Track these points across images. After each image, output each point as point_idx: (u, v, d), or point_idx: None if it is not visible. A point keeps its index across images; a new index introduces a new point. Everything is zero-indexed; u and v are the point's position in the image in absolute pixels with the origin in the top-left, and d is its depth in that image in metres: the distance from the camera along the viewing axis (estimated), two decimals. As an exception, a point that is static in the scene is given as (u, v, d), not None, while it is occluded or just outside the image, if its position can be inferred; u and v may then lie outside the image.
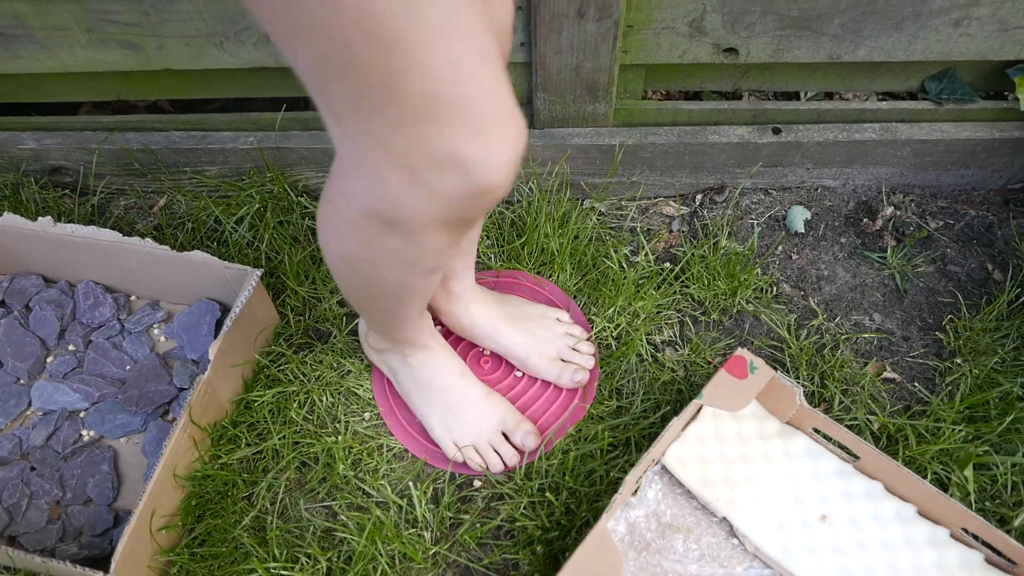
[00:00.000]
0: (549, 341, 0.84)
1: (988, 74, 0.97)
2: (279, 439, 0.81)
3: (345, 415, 0.83)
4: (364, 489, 0.78)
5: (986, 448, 0.76)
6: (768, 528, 0.72)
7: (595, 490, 0.76)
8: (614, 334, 0.87)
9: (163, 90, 1.01)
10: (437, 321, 0.90)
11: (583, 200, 1.00)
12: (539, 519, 0.75)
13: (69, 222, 0.87)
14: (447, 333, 0.89)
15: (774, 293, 0.92)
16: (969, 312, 0.89)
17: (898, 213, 1.00)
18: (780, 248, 0.96)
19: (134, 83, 0.99)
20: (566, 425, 0.81)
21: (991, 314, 0.87)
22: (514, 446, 0.79)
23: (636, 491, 0.75)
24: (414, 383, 0.78)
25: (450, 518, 0.76)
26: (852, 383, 0.83)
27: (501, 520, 0.76)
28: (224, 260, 0.84)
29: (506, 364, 0.87)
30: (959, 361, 0.84)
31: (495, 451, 0.78)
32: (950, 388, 0.83)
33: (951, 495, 0.74)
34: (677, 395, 0.83)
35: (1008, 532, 0.73)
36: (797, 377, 0.84)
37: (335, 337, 0.88)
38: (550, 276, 0.93)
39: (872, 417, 0.81)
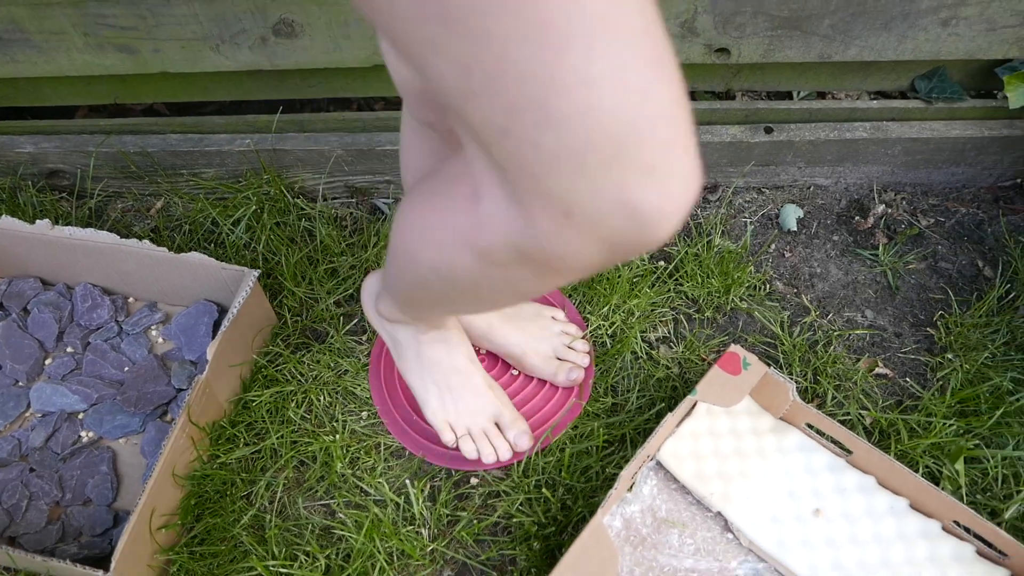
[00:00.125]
0: (544, 340, 0.85)
1: (977, 73, 0.99)
2: (277, 438, 0.81)
3: (343, 414, 0.84)
4: (362, 487, 0.79)
5: (977, 442, 0.77)
6: (762, 522, 0.73)
7: (591, 486, 0.76)
8: (609, 332, 0.88)
9: (159, 93, 1.02)
10: (433, 320, 0.91)
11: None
12: (536, 515, 0.75)
13: (67, 225, 0.88)
14: (443, 332, 0.90)
15: (767, 290, 0.92)
16: (960, 308, 0.90)
17: (889, 211, 1.01)
18: (773, 246, 0.97)
19: (130, 86, 1.00)
20: (562, 423, 0.82)
21: (981, 310, 0.88)
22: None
23: (631, 487, 0.76)
24: (418, 359, 0.76)
25: (447, 515, 0.77)
26: (845, 379, 0.84)
27: (498, 516, 0.76)
28: (221, 261, 0.85)
29: (502, 363, 0.88)
30: (950, 356, 0.85)
31: (489, 442, 0.78)
32: (941, 383, 0.84)
33: (943, 488, 0.75)
34: (672, 392, 0.83)
35: (999, 524, 0.73)
36: (790, 373, 0.85)
37: (332, 337, 0.89)
38: (545, 275, 0.93)
39: (864, 412, 0.82)
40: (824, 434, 0.77)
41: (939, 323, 0.89)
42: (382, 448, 0.82)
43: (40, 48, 0.91)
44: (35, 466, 0.84)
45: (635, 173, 0.32)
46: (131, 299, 0.97)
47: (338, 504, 0.78)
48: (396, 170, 1.01)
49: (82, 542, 0.78)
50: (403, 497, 0.78)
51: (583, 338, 0.87)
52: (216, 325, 0.91)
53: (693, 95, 1.14)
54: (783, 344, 0.87)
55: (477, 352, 0.89)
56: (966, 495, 0.75)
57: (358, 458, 0.81)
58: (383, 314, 0.76)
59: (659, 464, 0.77)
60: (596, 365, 0.86)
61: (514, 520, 0.76)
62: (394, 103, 1.14)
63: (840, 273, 0.95)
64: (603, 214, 0.33)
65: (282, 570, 0.73)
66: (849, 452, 0.76)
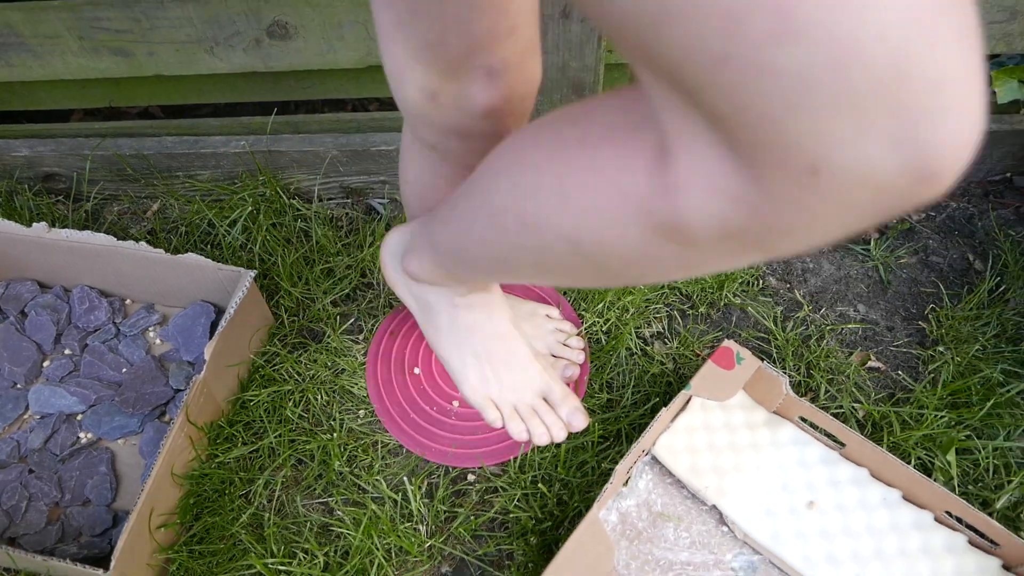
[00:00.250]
0: (539, 337, 0.86)
1: (966, 68, 0.99)
2: (275, 437, 0.82)
3: (340, 413, 0.84)
4: (360, 485, 0.79)
5: (968, 433, 0.77)
6: (757, 515, 0.74)
7: (587, 481, 0.77)
8: (604, 329, 0.88)
9: (154, 96, 1.03)
10: (429, 319, 0.91)
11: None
12: (532, 510, 0.76)
13: (63, 228, 0.88)
14: (439, 331, 0.91)
15: (760, 286, 0.93)
16: (951, 301, 0.91)
17: (881, 206, 1.01)
18: (766, 242, 0.98)
19: (125, 89, 1.01)
20: (558, 418, 0.83)
21: (972, 303, 0.88)
22: None
23: (627, 481, 0.77)
24: (453, 325, 0.66)
25: (445, 511, 0.77)
26: (837, 372, 0.85)
27: (495, 512, 0.77)
28: (217, 263, 0.85)
29: (498, 360, 0.88)
30: (941, 349, 0.86)
31: (540, 420, 0.68)
32: (933, 375, 0.84)
33: (935, 479, 0.76)
34: (666, 387, 0.84)
35: (990, 514, 0.74)
36: (784, 368, 0.86)
37: (329, 337, 0.90)
38: (540, 273, 0.94)
39: (857, 405, 0.82)
40: (817, 427, 0.78)
41: (930, 316, 0.90)
42: (379, 446, 0.82)
43: (35, 52, 0.91)
44: (34, 467, 0.84)
45: (920, 102, 0.22)
46: (128, 301, 0.98)
47: (336, 502, 0.78)
48: (391, 170, 1.02)
49: (82, 542, 0.79)
50: (401, 494, 0.78)
51: (578, 335, 0.88)
52: (213, 326, 0.91)
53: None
54: (776, 339, 0.88)
55: (473, 350, 0.90)
56: (958, 486, 0.76)
57: (356, 456, 0.81)
58: (413, 273, 0.66)
59: (654, 459, 0.78)
60: (591, 362, 0.87)
61: (511, 515, 0.76)
62: (389, 104, 1.15)
63: (832, 268, 0.95)
64: (869, 165, 0.24)
65: (281, 568, 0.74)
66: (842, 445, 0.77)
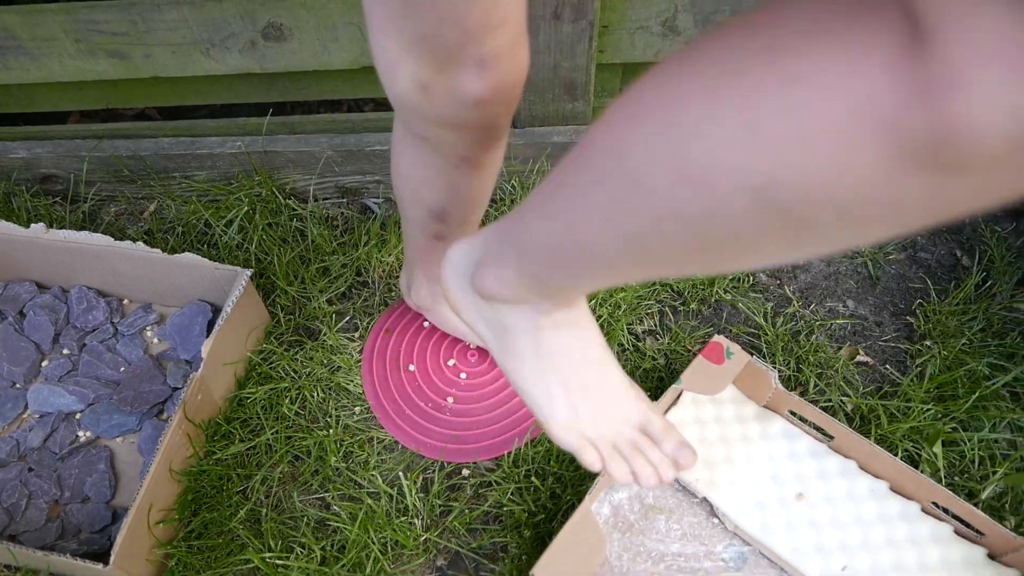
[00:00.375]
0: (533, 333, 0.87)
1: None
2: (272, 434, 0.83)
3: (336, 409, 0.85)
4: (356, 480, 0.80)
5: (954, 425, 0.79)
6: (747, 507, 0.75)
7: (579, 474, 0.78)
8: (596, 325, 0.89)
9: (151, 98, 1.04)
10: (422, 319, 0.92)
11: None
12: (526, 504, 0.77)
13: (61, 229, 0.89)
14: (433, 329, 0.92)
15: (751, 282, 0.94)
16: (938, 297, 0.92)
17: (870, 203, 1.03)
18: (756, 239, 0.99)
19: (122, 91, 1.02)
20: (551, 414, 0.84)
21: (958, 298, 0.90)
22: None
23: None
24: (537, 350, 0.56)
25: (440, 505, 0.78)
26: (826, 367, 0.86)
27: (489, 506, 0.78)
28: (214, 262, 0.86)
29: (492, 358, 0.89)
30: (928, 343, 0.87)
31: (645, 459, 0.59)
32: (920, 369, 0.86)
33: (921, 471, 0.77)
34: (658, 382, 0.85)
35: (976, 504, 0.76)
36: (774, 362, 0.87)
37: (325, 334, 0.91)
38: (533, 271, 0.95)
39: (846, 399, 0.84)
40: (806, 420, 0.79)
41: (918, 311, 0.91)
42: (375, 442, 0.83)
43: (32, 55, 0.92)
44: (34, 466, 0.85)
45: None
46: (126, 301, 0.99)
47: (332, 497, 0.79)
48: (385, 170, 1.03)
49: (81, 539, 0.80)
50: (396, 489, 0.79)
51: (571, 331, 0.89)
52: (210, 325, 0.92)
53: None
54: (766, 334, 0.89)
55: (468, 347, 0.91)
56: (944, 477, 0.77)
57: (352, 452, 0.82)
58: (489, 291, 0.56)
59: (646, 452, 0.79)
60: (584, 357, 0.88)
61: (505, 509, 0.78)
62: (383, 104, 1.16)
63: (822, 264, 0.97)
64: None
65: (278, 562, 0.75)
66: (831, 437, 0.78)
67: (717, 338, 0.80)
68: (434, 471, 0.81)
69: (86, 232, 0.89)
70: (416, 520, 0.78)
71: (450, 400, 0.87)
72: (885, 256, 0.97)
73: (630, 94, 0.34)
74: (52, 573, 0.73)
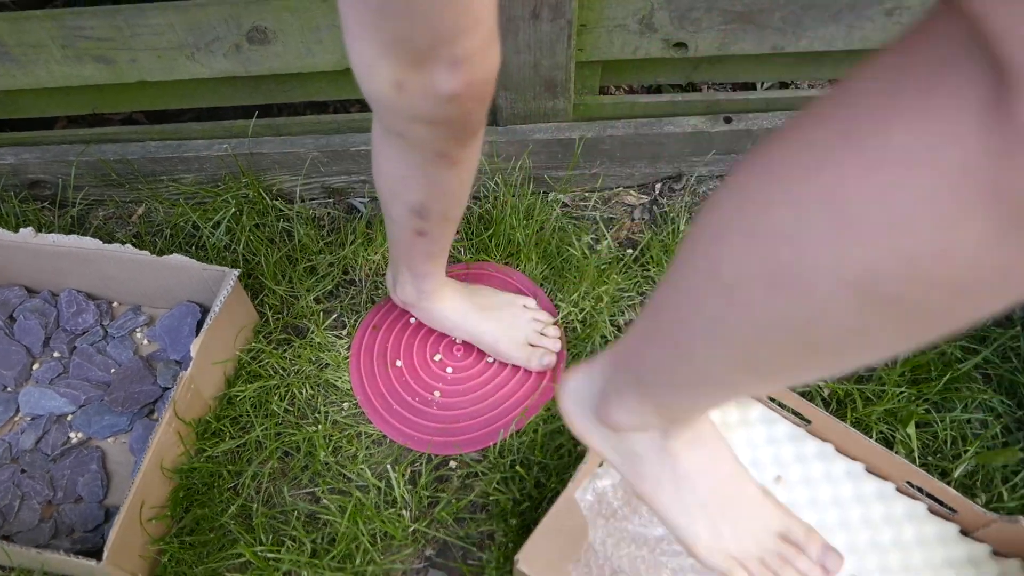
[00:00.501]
0: (517, 327, 0.89)
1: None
2: (261, 431, 0.84)
3: (324, 406, 0.87)
4: (345, 474, 0.82)
5: (927, 407, 0.81)
6: (727, 491, 0.77)
7: (564, 463, 0.80)
8: (579, 318, 0.91)
9: (137, 102, 1.05)
10: (408, 315, 0.94)
11: (547, 193, 1.04)
12: (512, 493, 0.79)
13: (49, 233, 0.90)
14: (419, 325, 0.93)
15: (730, 273, 0.96)
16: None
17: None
18: (735, 231, 1.01)
19: (108, 96, 1.03)
20: (536, 405, 0.86)
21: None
22: None
23: (602, 463, 0.80)
24: (672, 474, 0.57)
25: (428, 497, 0.80)
26: (804, 354, 0.88)
27: (476, 496, 0.80)
28: (202, 263, 0.88)
29: (477, 352, 0.91)
30: (904, 329, 0.89)
31: (795, 569, 0.59)
32: (895, 354, 0.88)
33: (896, 452, 0.79)
34: (640, 372, 0.87)
35: (948, 483, 0.78)
36: (753, 351, 0.89)
37: (313, 332, 0.92)
38: (517, 266, 0.97)
39: (822, 384, 0.86)
40: (784, 406, 0.81)
41: (893, 298, 0.93)
42: (363, 436, 0.85)
43: (19, 61, 0.93)
44: (26, 467, 0.86)
45: None
46: (115, 303, 1.00)
47: (322, 491, 0.81)
48: (370, 170, 1.04)
49: (75, 538, 0.81)
50: (384, 482, 0.81)
51: (554, 324, 0.91)
52: (199, 325, 0.94)
53: (658, 88, 1.18)
54: (746, 323, 0.91)
55: (454, 342, 0.92)
56: (918, 457, 0.79)
57: (340, 447, 0.84)
58: (618, 424, 0.55)
59: (629, 440, 0.81)
60: (568, 350, 0.90)
61: (491, 498, 0.79)
62: (368, 105, 1.17)
63: (800, 255, 0.99)
64: None
65: (269, 555, 0.76)
66: (808, 422, 0.80)
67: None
68: (421, 463, 0.83)
69: (75, 236, 0.90)
70: (404, 511, 0.79)
71: (437, 394, 0.88)
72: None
73: (710, 206, 0.33)
74: (46, 572, 0.74)
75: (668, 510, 0.58)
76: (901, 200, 0.23)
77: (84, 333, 0.96)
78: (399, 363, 0.91)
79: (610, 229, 1.01)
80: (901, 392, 0.82)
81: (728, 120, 1.02)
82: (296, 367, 0.89)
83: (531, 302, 0.92)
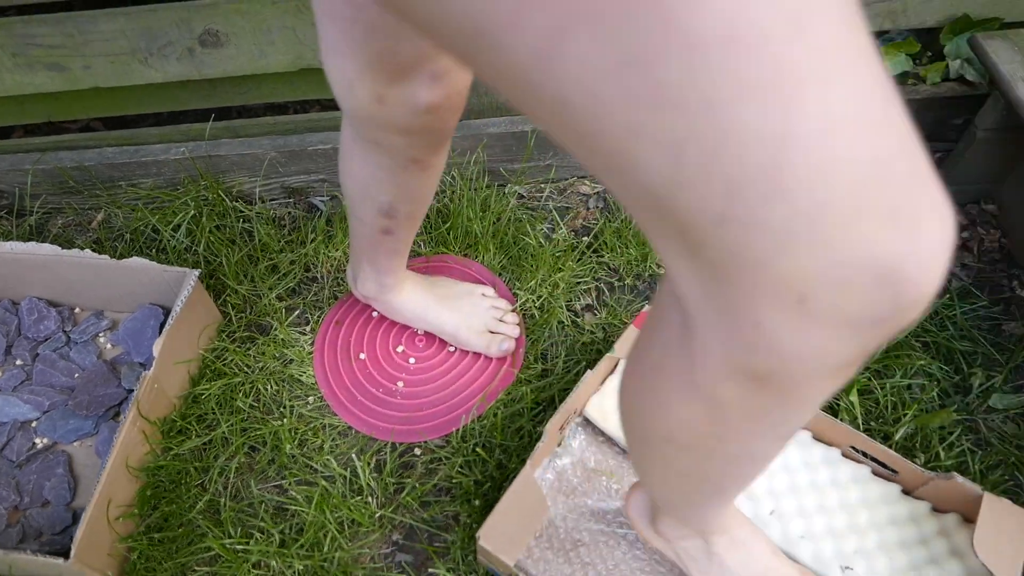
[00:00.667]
0: (476, 316, 0.91)
1: (860, 45, 1.07)
2: (227, 427, 0.85)
3: (289, 400, 0.88)
4: (311, 465, 0.83)
5: (868, 375, 0.85)
6: (682, 463, 0.80)
7: (524, 444, 0.82)
8: (537, 304, 0.94)
9: (93, 109, 1.05)
10: (371, 309, 0.96)
11: (503, 185, 1.06)
12: (474, 475, 0.81)
13: (7, 241, 0.90)
14: (381, 319, 0.95)
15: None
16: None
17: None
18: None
19: (64, 104, 1.03)
20: (496, 390, 0.88)
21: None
22: None
23: (561, 442, 0.82)
24: (722, 570, 0.67)
25: (393, 483, 0.82)
26: (754, 330, 0.92)
27: (439, 479, 0.82)
28: (163, 264, 0.88)
29: (439, 342, 0.93)
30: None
31: None
32: (840, 327, 0.91)
33: (841, 419, 0.83)
34: (596, 354, 0.90)
35: (890, 446, 0.81)
36: (705, 329, 0.92)
37: (276, 329, 0.93)
38: (476, 257, 0.99)
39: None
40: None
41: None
42: (328, 428, 0.86)
43: (-31, 71, 0.94)
44: (-9, 474, 0.86)
45: (880, 222, 0.26)
46: (77, 309, 1.00)
47: (289, 483, 0.82)
48: (329, 168, 1.06)
49: (43, 541, 0.81)
50: (350, 471, 0.82)
51: (513, 311, 0.93)
52: (162, 327, 0.94)
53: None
54: (698, 304, 0.94)
55: (416, 333, 0.94)
56: (862, 423, 0.83)
57: (306, 439, 0.85)
58: (669, 536, 0.67)
59: (587, 420, 0.83)
60: (526, 335, 0.92)
61: (454, 481, 0.81)
62: (328, 105, 1.19)
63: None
64: (849, 287, 0.27)
65: (238, 547, 0.77)
66: (757, 394, 0.83)
67: (649, 307, 0.85)
68: (386, 452, 0.85)
69: (33, 243, 0.90)
70: (371, 499, 0.81)
71: (400, 384, 0.90)
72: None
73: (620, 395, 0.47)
74: (14, 574, 0.75)
75: None
76: (658, 391, 0.39)
77: (47, 340, 0.96)
78: (362, 356, 0.93)
79: (565, 218, 1.03)
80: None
81: (676, 109, 1.05)
82: (260, 364, 0.91)
83: (489, 291, 0.94)
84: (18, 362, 0.95)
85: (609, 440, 0.83)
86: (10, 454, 0.88)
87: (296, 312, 0.96)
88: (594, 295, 0.96)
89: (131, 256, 0.98)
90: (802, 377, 0.32)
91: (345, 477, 0.82)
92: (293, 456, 0.84)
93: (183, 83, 1.00)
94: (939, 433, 0.81)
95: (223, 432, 0.85)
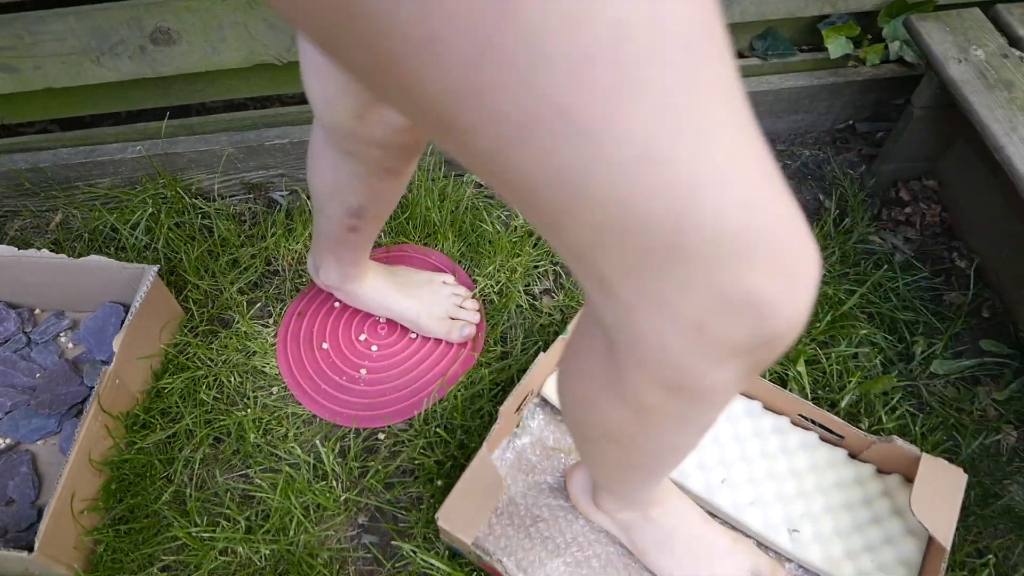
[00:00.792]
0: (437, 303, 0.93)
1: (805, 30, 1.11)
2: (191, 420, 0.86)
3: (253, 391, 0.89)
4: (276, 453, 0.84)
5: (815, 346, 0.88)
6: (637, 437, 0.82)
7: (483, 424, 0.84)
8: (496, 289, 0.96)
9: (47, 110, 1.05)
10: (333, 299, 0.97)
11: (461, 175, 1.08)
12: (436, 455, 0.83)
13: (-37, 243, 0.90)
14: (344, 308, 0.97)
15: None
16: (803, 236, 1.01)
17: (742, 159, 1.12)
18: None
19: (16, 105, 1.03)
20: (457, 373, 0.90)
21: (819, 234, 0.99)
22: None
23: (519, 423, 0.84)
24: (654, 538, 0.72)
25: (358, 467, 0.83)
26: (707, 308, 0.94)
27: (402, 461, 0.83)
28: (122, 262, 0.89)
29: (401, 329, 0.95)
30: (795, 278, 0.96)
31: None
32: (788, 302, 0.95)
33: (789, 389, 0.86)
34: (553, 336, 0.92)
35: (836, 413, 0.85)
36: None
37: (238, 322, 0.94)
38: (435, 245, 1.01)
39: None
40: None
41: (787, 252, 1.00)
42: (293, 417, 0.88)
43: (-83, 73, 0.93)
44: (-46, 476, 0.86)
45: (762, 274, 0.32)
46: (37, 310, 1.00)
47: (254, 471, 0.83)
48: (288, 163, 1.07)
49: (8, 538, 0.82)
50: (315, 457, 0.84)
51: (472, 297, 0.95)
52: (124, 325, 0.95)
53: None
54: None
55: (378, 321, 0.96)
56: (809, 393, 0.86)
57: (271, 428, 0.86)
58: (606, 509, 0.73)
59: (544, 400, 0.86)
60: (487, 320, 0.94)
61: (417, 463, 0.83)
62: (288, 101, 1.19)
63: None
64: (736, 318, 0.33)
65: (204, 535, 0.78)
66: (709, 368, 0.86)
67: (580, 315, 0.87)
68: (351, 438, 0.86)
69: (-11, 244, 0.90)
70: (335, 483, 0.82)
71: (363, 372, 0.92)
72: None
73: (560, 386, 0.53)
74: (-21, 572, 0.75)
75: (658, 565, 0.73)
76: (593, 397, 0.45)
77: (6, 341, 0.96)
78: (325, 346, 0.94)
79: (523, 205, 1.05)
80: (791, 334, 0.88)
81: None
82: (223, 357, 0.92)
83: (449, 278, 0.96)
84: (-21, 365, 0.95)
85: (567, 418, 0.85)
86: (-27, 456, 0.88)
87: (258, 305, 0.97)
88: (552, 279, 0.98)
89: (89, 255, 0.98)
90: (708, 387, 0.38)
91: (310, 463, 0.83)
92: (258, 445, 0.85)
93: (137, 82, 1.00)
94: (882, 399, 0.85)
95: (187, 424, 0.86)
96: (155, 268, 0.87)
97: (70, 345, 0.97)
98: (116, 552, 0.78)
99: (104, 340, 0.94)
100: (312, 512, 0.80)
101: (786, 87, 1.09)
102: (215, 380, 0.90)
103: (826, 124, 1.16)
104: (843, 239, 0.99)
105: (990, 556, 0.75)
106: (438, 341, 0.93)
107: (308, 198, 1.06)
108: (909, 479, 0.78)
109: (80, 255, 1.01)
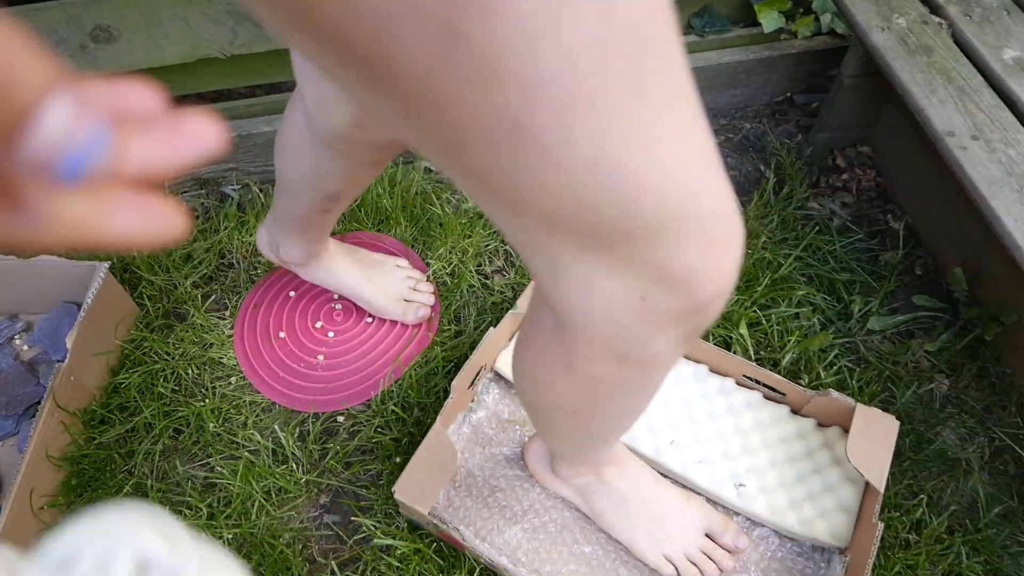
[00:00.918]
0: (392, 285, 0.94)
1: (740, 6, 1.14)
2: (150, 413, 0.87)
3: (211, 382, 0.90)
4: (236, 441, 0.86)
5: (756, 309, 0.91)
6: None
7: (439, 401, 0.86)
8: (448, 271, 0.98)
9: (-10, 113, 1.04)
10: (288, 289, 0.98)
11: (410, 161, 1.10)
12: (393, 433, 0.85)
13: (-92, 248, 0.90)
14: (300, 298, 0.98)
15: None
16: (744, 206, 1.05)
17: (686, 135, 1.15)
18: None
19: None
20: (412, 353, 0.92)
21: (760, 203, 1.03)
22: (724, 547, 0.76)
23: (475, 398, 0.86)
24: (610, 501, 0.75)
25: (317, 450, 0.85)
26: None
27: (361, 440, 0.85)
28: (72, 260, 0.89)
29: (357, 314, 0.96)
30: (738, 247, 1.00)
31: (708, 557, 0.75)
32: (732, 269, 0.98)
33: (733, 351, 0.89)
34: (504, 313, 0.94)
35: (778, 372, 0.88)
36: (609, 282, 0.97)
37: (194, 316, 0.95)
38: (388, 231, 1.03)
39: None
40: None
41: (730, 221, 1.04)
42: (252, 405, 0.89)
43: None
44: (-89, 482, 0.86)
45: (698, 249, 0.36)
46: (-10, 314, 1.00)
47: (215, 460, 0.84)
48: (238, 157, 1.07)
49: (-31, 540, 0.82)
50: (274, 442, 0.85)
51: (426, 280, 0.97)
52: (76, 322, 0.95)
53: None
54: (601, 258, 0.99)
55: (333, 307, 0.97)
56: (753, 354, 0.89)
57: (230, 417, 0.88)
58: (563, 476, 0.76)
59: (498, 374, 0.88)
60: (440, 301, 0.96)
61: (375, 441, 0.85)
62: (241, 95, 1.19)
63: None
64: (674, 288, 0.37)
65: (167, 524, 0.79)
66: (656, 335, 0.89)
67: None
68: (310, 422, 0.88)
69: (-65, 248, 0.89)
70: (296, 466, 0.84)
71: (320, 358, 0.93)
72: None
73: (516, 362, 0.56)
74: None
75: (614, 527, 0.76)
76: (546, 371, 0.49)
77: (-40, 346, 0.96)
78: (282, 335, 0.95)
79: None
80: (734, 298, 0.91)
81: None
82: (180, 350, 0.92)
83: (403, 262, 0.98)
84: (-68, 371, 0.95)
85: (521, 390, 0.87)
86: (-70, 461, 0.88)
87: (213, 298, 0.98)
88: (503, 258, 1.00)
89: (39, 255, 0.98)
90: (653, 354, 0.42)
91: (269, 449, 0.85)
92: (218, 434, 0.86)
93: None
94: (820, 356, 0.88)
95: (146, 418, 0.87)
96: (106, 264, 0.88)
97: (25, 347, 0.97)
98: (79, 545, 0.79)
99: (59, 340, 0.94)
100: (274, 495, 0.82)
101: (724, 62, 1.12)
102: (172, 373, 0.90)
103: (764, 97, 1.20)
104: (782, 206, 1.02)
105: (923, 496, 0.79)
106: (393, 324, 0.95)
107: (260, 191, 1.07)
108: (847, 430, 0.82)
109: (30, 256, 1.01)
